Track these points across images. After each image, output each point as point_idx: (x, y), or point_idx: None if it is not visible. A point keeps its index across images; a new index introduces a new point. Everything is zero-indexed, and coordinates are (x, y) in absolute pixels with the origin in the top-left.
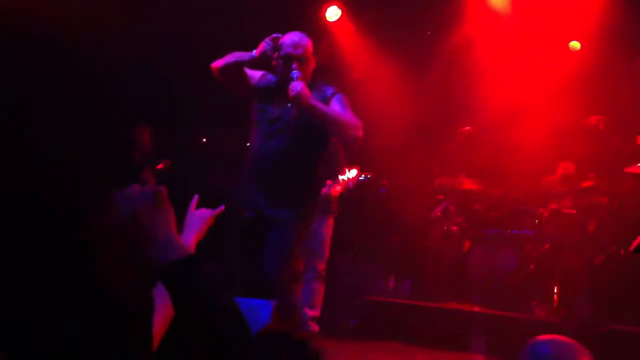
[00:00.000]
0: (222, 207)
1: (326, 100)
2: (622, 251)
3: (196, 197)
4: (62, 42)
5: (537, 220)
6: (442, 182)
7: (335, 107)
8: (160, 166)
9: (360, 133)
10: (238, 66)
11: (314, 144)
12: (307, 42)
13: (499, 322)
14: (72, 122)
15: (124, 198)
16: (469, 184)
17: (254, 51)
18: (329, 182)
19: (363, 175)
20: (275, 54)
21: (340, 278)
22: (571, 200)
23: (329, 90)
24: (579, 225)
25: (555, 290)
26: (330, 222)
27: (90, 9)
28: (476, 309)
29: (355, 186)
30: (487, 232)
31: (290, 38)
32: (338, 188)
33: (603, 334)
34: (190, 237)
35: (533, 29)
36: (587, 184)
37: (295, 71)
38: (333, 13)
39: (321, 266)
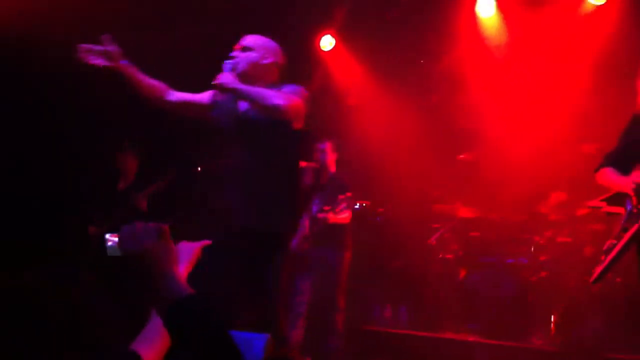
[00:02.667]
0: (208, 242)
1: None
2: (618, 279)
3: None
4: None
5: (532, 248)
6: (438, 210)
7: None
8: (152, 189)
9: (278, 101)
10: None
11: (269, 150)
12: (255, 37)
13: (497, 351)
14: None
15: (130, 236)
16: (464, 212)
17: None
18: (326, 207)
19: (358, 204)
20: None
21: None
22: (567, 228)
23: (280, 85)
24: (575, 253)
25: (553, 319)
26: (348, 256)
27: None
28: (472, 338)
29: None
30: (483, 260)
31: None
32: (345, 215)
33: None
34: (181, 271)
35: (529, 55)
36: (583, 211)
37: (226, 62)
38: (327, 42)
39: (341, 299)
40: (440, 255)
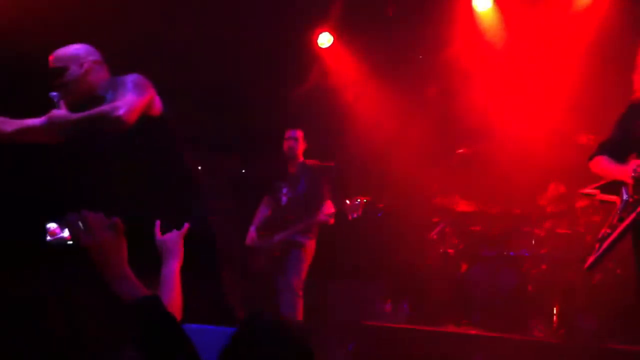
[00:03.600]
0: (187, 225)
1: (114, 91)
2: (618, 270)
3: (158, 222)
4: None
5: (533, 241)
6: (437, 204)
7: (114, 97)
8: None
9: (121, 114)
10: None
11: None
12: (59, 51)
13: (499, 343)
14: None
15: (79, 224)
16: (464, 206)
17: None
18: (327, 211)
19: (359, 200)
20: None
21: (336, 302)
22: (566, 220)
23: (117, 80)
24: (575, 244)
25: (555, 311)
26: (313, 243)
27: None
28: (474, 331)
29: (358, 216)
30: (484, 254)
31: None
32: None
33: (601, 353)
34: (174, 264)
35: (526, 48)
36: (582, 203)
37: (52, 93)
38: (325, 39)
39: (298, 285)
40: (441, 250)
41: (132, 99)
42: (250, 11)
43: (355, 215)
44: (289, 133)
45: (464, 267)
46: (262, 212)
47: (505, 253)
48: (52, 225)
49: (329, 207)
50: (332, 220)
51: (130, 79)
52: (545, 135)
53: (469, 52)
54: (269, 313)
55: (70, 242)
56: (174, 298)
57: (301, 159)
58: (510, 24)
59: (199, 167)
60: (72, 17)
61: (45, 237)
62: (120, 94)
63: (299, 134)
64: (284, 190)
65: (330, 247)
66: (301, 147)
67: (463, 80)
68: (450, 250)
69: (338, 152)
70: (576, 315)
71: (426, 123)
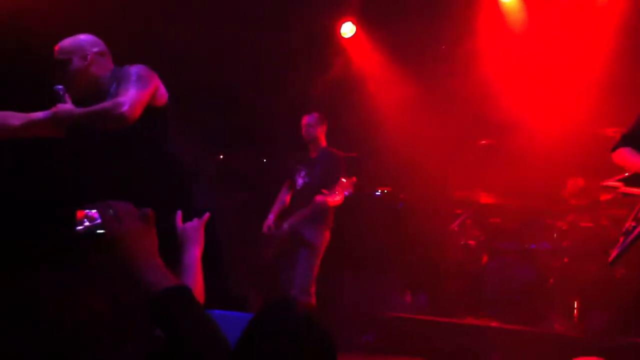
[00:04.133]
0: (208, 215)
1: (118, 84)
2: None
3: (180, 213)
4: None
5: (555, 234)
6: (459, 196)
7: (118, 90)
8: None
9: (124, 110)
10: None
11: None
12: (63, 42)
13: (519, 336)
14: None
15: (110, 213)
16: (486, 198)
17: None
18: (324, 190)
19: (379, 190)
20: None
21: (355, 292)
22: (589, 213)
23: (120, 72)
24: (598, 238)
25: (575, 304)
26: (327, 234)
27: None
28: (494, 323)
29: (350, 194)
30: (505, 246)
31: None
32: (337, 198)
33: (623, 348)
34: (196, 251)
35: (550, 40)
36: (606, 196)
37: (58, 86)
38: (348, 29)
39: (309, 285)
40: (462, 242)
41: (134, 93)
42: (273, 2)
43: (346, 193)
44: (304, 119)
45: (485, 259)
46: (282, 197)
47: (526, 246)
48: (90, 211)
49: (342, 186)
50: (331, 201)
51: (134, 70)
52: (569, 127)
53: (493, 43)
54: (290, 300)
55: (100, 231)
56: (197, 285)
57: (323, 143)
58: (535, 14)
59: (220, 157)
60: (80, 11)
61: (75, 225)
62: (123, 88)
63: (314, 117)
64: (302, 173)
65: (350, 238)
66: (319, 130)
67: (486, 72)
68: (471, 242)
69: (360, 142)
70: (597, 309)
71: (449, 114)
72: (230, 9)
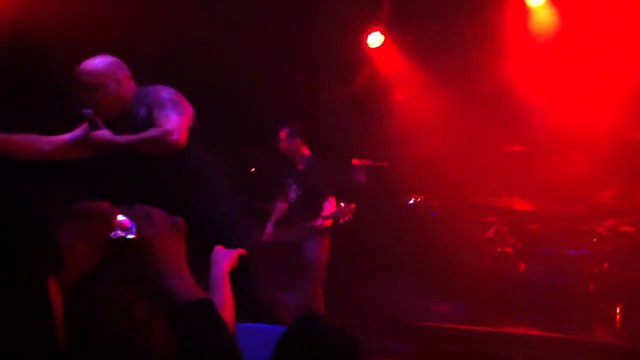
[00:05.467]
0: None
1: (150, 110)
2: None
3: None
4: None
5: (594, 239)
6: (493, 203)
7: (156, 115)
8: None
9: (174, 138)
10: None
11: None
12: (89, 69)
13: (560, 345)
14: None
15: (142, 217)
16: (521, 204)
17: None
18: (323, 213)
19: (412, 199)
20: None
21: (391, 302)
22: (629, 217)
23: (150, 96)
24: (639, 242)
25: (617, 311)
26: (326, 244)
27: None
28: (534, 332)
29: (348, 220)
30: (543, 252)
31: (82, 64)
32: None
33: None
34: (223, 267)
35: (582, 42)
36: None
37: (86, 110)
38: (375, 39)
39: (318, 291)
40: (498, 249)
41: (178, 120)
42: (299, 11)
43: (346, 219)
44: (280, 134)
45: (522, 266)
46: (277, 208)
47: (565, 252)
48: (121, 218)
49: (332, 206)
50: (328, 223)
51: (167, 97)
52: (605, 130)
53: (523, 47)
54: (320, 316)
55: (130, 237)
56: (225, 301)
57: (306, 152)
58: (564, 17)
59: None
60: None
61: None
62: (163, 115)
63: (286, 131)
64: (293, 187)
65: (384, 247)
66: (297, 141)
67: (517, 76)
68: (508, 249)
69: (392, 151)
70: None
71: (480, 120)
72: (257, 20)
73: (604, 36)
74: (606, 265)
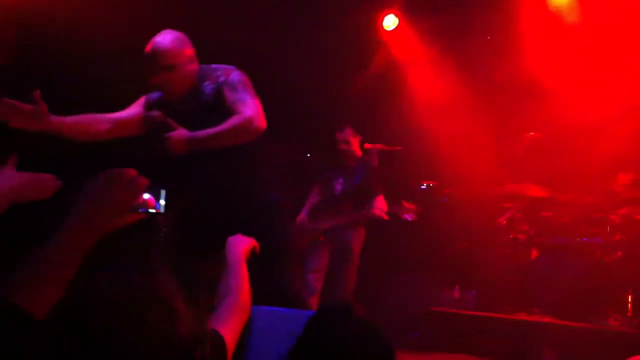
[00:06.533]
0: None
1: (219, 90)
2: None
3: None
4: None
5: (607, 228)
6: (507, 189)
7: (229, 98)
8: None
9: (258, 123)
10: None
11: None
12: (175, 45)
13: (571, 333)
14: None
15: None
16: (535, 191)
17: None
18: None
19: (425, 184)
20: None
21: (402, 289)
22: None
23: (220, 77)
24: None
25: (629, 299)
26: (363, 234)
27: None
28: (546, 319)
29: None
30: (556, 240)
31: (151, 43)
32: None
33: None
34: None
35: (598, 28)
36: None
37: (154, 112)
38: (390, 22)
39: (351, 279)
40: (511, 236)
41: (255, 104)
42: None
43: (409, 219)
44: (339, 136)
45: (535, 253)
46: (313, 199)
47: (578, 240)
48: (147, 196)
49: (382, 203)
50: (386, 217)
51: (237, 78)
52: (619, 118)
53: (539, 32)
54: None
55: (152, 211)
56: (242, 284)
57: (359, 153)
58: (584, 2)
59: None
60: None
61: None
62: (239, 100)
63: (348, 133)
64: (340, 180)
65: (395, 234)
66: (354, 142)
67: (533, 62)
68: (521, 236)
69: (405, 136)
70: None
71: (495, 106)
72: (270, 3)
73: (621, 24)
74: (619, 253)
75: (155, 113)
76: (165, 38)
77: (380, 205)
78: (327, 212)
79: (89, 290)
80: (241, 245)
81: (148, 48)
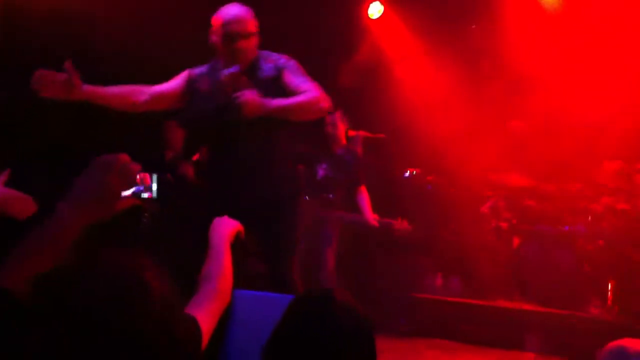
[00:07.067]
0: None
1: (279, 72)
2: None
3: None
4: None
5: (590, 217)
6: (490, 178)
7: (291, 80)
8: (196, 156)
9: (326, 104)
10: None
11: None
12: (250, 15)
13: (553, 320)
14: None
15: None
16: (518, 180)
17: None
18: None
19: (408, 172)
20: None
21: (386, 276)
22: (625, 196)
23: (280, 60)
24: (635, 221)
25: (609, 287)
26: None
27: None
28: (528, 306)
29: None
30: (538, 229)
31: (229, 12)
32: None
33: None
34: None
35: (585, 18)
36: None
37: (234, 67)
38: (375, 10)
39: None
40: (493, 224)
41: (317, 86)
42: None
43: (400, 233)
44: (327, 118)
45: (517, 241)
46: None
47: (560, 228)
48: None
49: (365, 198)
50: (377, 225)
51: (296, 65)
52: (604, 108)
53: (525, 22)
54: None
55: (145, 195)
56: (224, 269)
57: (344, 141)
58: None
59: None
60: None
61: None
62: (303, 82)
63: (337, 117)
64: (323, 165)
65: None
66: (341, 129)
67: (518, 52)
68: (503, 225)
69: (389, 124)
70: (633, 292)
71: (479, 95)
72: None
73: (611, 11)
74: (601, 242)
75: (235, 68)
76: (243, 8)
77: (366, 200)
78: (308, 195)
79: (72, 272)
80: (226, 228)
81: (229, 14)
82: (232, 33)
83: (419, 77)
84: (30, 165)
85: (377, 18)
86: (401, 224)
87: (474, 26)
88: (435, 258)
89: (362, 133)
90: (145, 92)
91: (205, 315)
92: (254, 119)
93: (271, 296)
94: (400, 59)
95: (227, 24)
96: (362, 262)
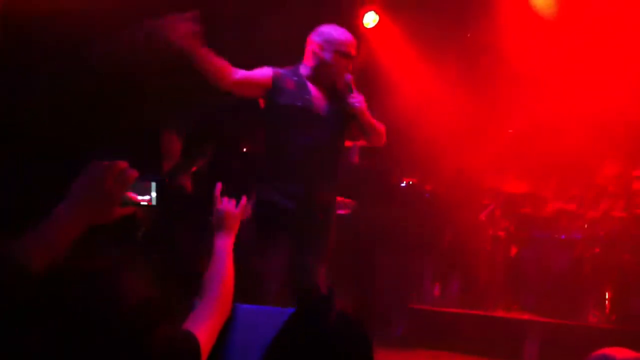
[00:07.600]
0: (245, 198)
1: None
2: None
3: (219, 186)
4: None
5: (586, 224)
6: (487, 186)
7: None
8: (194, 169)
9: (384, 139)
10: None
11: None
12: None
13: (551, 329)
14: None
15: None
16: (515, 187)
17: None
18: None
19: (405, 182)
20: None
21: (383, 285)
22: (622, 202)
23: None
24: (632, 227)
25: (607, 296)
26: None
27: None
28: (526, 316)
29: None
30: (536, 236)
31: (344, 35)
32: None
33: None
34: (227, 241)
35: (582, 23)
36: (638, 185)
37: (348, 76)
38: (370, 19)
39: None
40: (491, 232)
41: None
42: None
43: (343, 213)
44: None
45: (514, 249)
46: None
47: (557, 235)
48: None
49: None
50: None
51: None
52: (602, 115)
53: (520, 29)
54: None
55: (144, 203)
56: (226, 274)
57: None
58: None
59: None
60: None
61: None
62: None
63: None
64: None
65: (376, 230)
66: None
67: (513, 59)
68: (501, 233)
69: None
70: (631, 300)
71: (475, 104)
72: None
73: (607, 15)
74: (597, 249)
75: (349, 76)
76: (347, 31)
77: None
78: None
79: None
80: (233, 233)
81: (347, 37)
82: (347, 53)
83: (414, 84)
84: (30, 165)
85: (372, 27)
86: (341, 204)
87: (469, 35)
88: (432, 267)
89: (358, 143)
90: (238, 72)
91: (205, 330)
92: (342, 126)
93: (271, 310)
94: (396, 66)
95: (344, 44)
96: (361, 267)
